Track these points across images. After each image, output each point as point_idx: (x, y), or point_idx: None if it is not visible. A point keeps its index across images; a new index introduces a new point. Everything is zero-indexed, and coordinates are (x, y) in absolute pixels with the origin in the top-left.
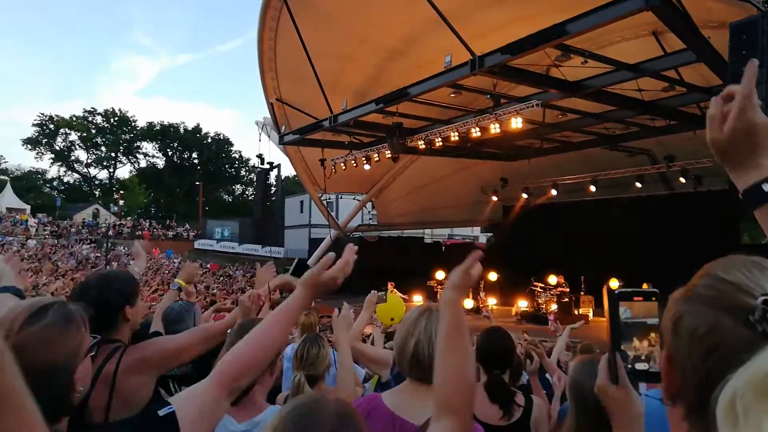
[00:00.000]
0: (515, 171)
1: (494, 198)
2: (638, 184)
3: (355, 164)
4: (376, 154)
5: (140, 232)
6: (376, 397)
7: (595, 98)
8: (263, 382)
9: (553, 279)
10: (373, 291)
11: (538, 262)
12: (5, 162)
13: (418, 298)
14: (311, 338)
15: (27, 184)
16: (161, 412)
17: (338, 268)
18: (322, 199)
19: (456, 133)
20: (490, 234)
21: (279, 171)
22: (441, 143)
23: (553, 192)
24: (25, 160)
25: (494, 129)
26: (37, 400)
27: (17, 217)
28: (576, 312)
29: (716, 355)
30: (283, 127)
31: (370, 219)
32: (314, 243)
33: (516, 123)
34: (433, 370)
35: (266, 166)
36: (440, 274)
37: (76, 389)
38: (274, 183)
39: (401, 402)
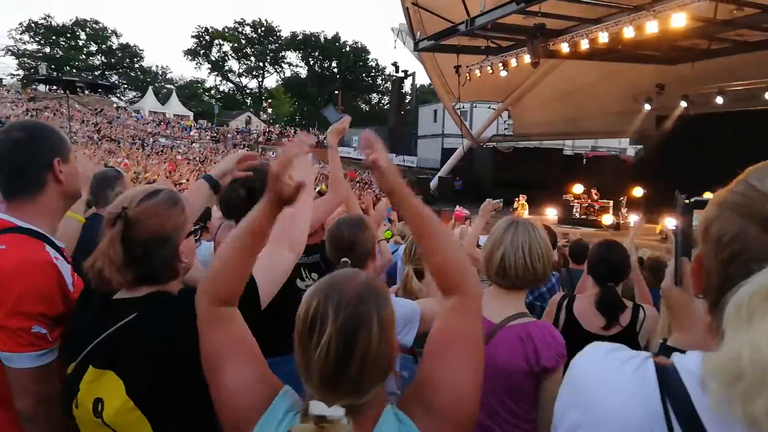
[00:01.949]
0: (674, 76)
1: (647, 107)
2: None
3: (491, 71)
4: (515, 60)
5: (286, 139)
6: None
7: None
8: (370, 268)
9: (708, 197)
10: (488, 199)
11: (693, 178)
12: (170, 72)
13: (551, 212)
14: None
15: (189, 92)
16: None
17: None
18: (455, 107)
19: (606, 34)
20: (639, 146)
21: (413, 79)
22: (588, 46)
23: (719, 100)
24: (187, 70)
25: (652, 28)
26: (151, 261)
27: (183, 122)
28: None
29: (738, 261)
30: (419, 33)
31: (505, 129)
32: (446, 153)
33: (678, 20)
34: (517, 278)
35: (401, 74)
36: (578, 188)
37: (181, 259)
38: (409, 92)
39: (485, 303)
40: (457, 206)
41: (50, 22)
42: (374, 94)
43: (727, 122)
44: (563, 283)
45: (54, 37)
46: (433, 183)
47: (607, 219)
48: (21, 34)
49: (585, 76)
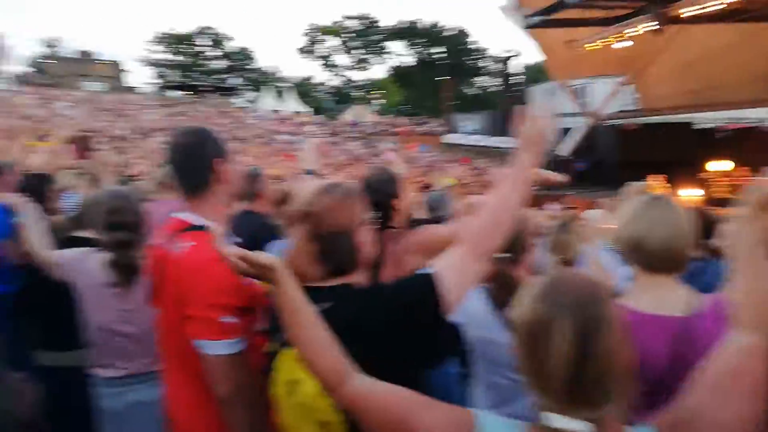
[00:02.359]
0: None
1: None
2: None
3: (608, 43)
4: (635, 29)
5: (396, 129)
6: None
7: None
8: (526, 263)
9: None
10: (630, 183)
11: None
12: (283, 71)
13: (686, 192)
14: (562, 225)
15: (303, 89)
16: (422, 271)
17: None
18: (570, 85)
19: None
20: None
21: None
22: (720, 7)
23: None
24: (300, 68)
25: None
26: (337, 254)
27: (300, 118)
28: None
29: None
30: (527, 10)
31: (628, 104)
32: (562, 133)
33: None
34: (669, 260)
35: (508, 54)
36: (715, 165)
37: (362, 250)
38: (518, 72)
39: (648, 299)
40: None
41: (176, 32)
42: (481, 78)
43: None
44: None
45: (180, 46)
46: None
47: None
48: (154, 44)
49: (717, 41)
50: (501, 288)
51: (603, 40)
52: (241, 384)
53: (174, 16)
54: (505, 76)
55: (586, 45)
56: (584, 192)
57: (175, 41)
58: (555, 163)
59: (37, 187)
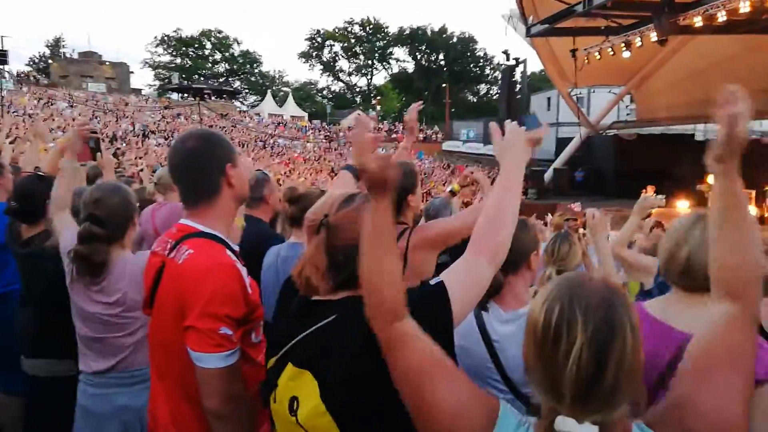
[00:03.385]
0: None
1: None
2: None
3: (612, 52)
4: (639, 38)
5: (395, 135)
6: (638, 304)
7: None
8: (524, 275)
9: None
10: (644, 195)
11: None
12: (286, 75)
13: (683, 204)
14: (562, 235)
15: (303, 93)
16: (431, 282)
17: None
18: (571, 94)
19: (747, 3)
20: None
21: (525, 67)
22: (725, 18)
23: None
24: (301, 72)
25: None
26: (350, 266)
27: (299, 123)
28: None
29: None
30: (531, 18)
31: (627, 114)
32: (562, 143)
33: None
34: (705, 279)
35: (511, 62)
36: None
37: None
38: (519, 80)
39: (668, 310)
40: (589, 209)
41: (180, 35)
42: (483, 85)
43: None
44: None
45: (184, 48)
46: (548, 175)
47: (751, 210)
48: (156, 47)
49: (721, 52)
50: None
51: (607, 50)
52: (232, 397)
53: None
54: (508, 83)
55: (589, 54)
56: (585, 202)
57: (179, 44)
58: (553, 172)
59: (42, 188)
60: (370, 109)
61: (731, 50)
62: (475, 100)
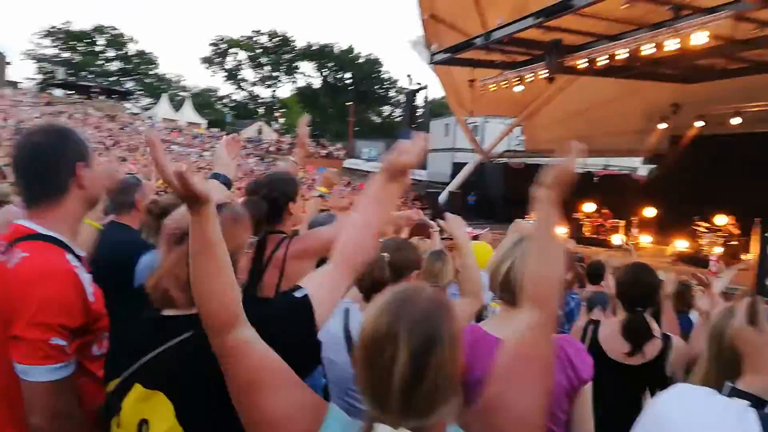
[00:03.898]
0: (690, 96)
1: (662, 126)
2: None
3: (506, 85)
4: (530, 75)
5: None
6: (476, 325)
7: None
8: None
9: (721, 219)
10: (517, 220)
11: (705, 200)
12: (185, 80)
13: (561, 231)
14: (436, 253)
15: (203, 100)
16: (297, 294)
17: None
18: (468, 122)
19: (625, 51)
20: (652, 166)
21: (426, 92)
22: (605, 62)
23: (736, 121)
24: (202, 78)
25: (671, 46)
26: None
27: (195, 130)
28: (744, 258)
29: None
30: (434, 46)
31: (517, 145)
32: (457, 167)
33: (699, 39)
34: (521, 293)
35: (414, 86)
36: (589, 207)
37: (239, 279)
38: (422, 104)
39: (496, 324)
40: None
41: (70, 27)
42: (387, 107)
43: (743, 143)
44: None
45: (73, 42)
46: (442, 197)
47: (617, 239)
48: (41, 38)
49: (600, 94)
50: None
51: (501, 83)
52: (60, 414)
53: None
54: (410, 107)
55: (485, 85)
56: (474, 224)
57: (68, 37)
58: (448, 194)
59: None
60: (273, 121)
61: (609, 93)
62: (379, 121)
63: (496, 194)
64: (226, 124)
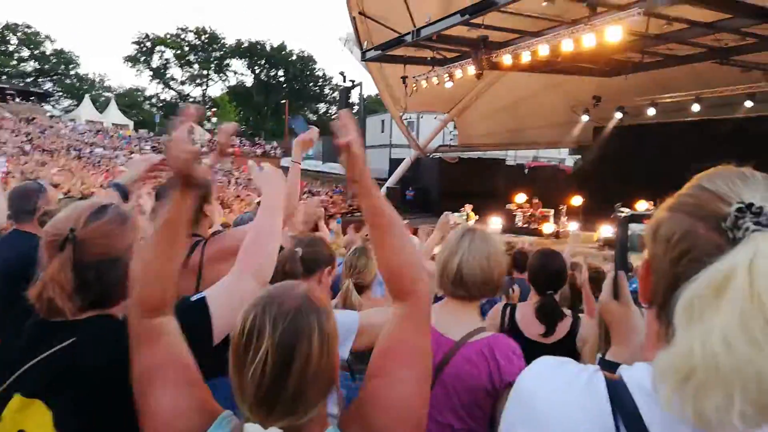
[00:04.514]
0: (610, 89)
1: (585, 118)
2: (748, 104)
3: (437, 81)
4: (460, 71)
5: (231, 149)
6: None
7: (708, 4)
8: (323, 281)
9: (642, 205)
10: (446, 212)
11: (627, 187)
12: (109, 80)
13: (496, 220)
14: (360, 249)
15: (129, 101)
16: (192, 298)
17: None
18: (403, 118)
19: (546, 47)
20: (578, 156)
21: (361, 89)
22: (530, 58)
23: (651, 112)
24: (127, 78)
25: (589, 41)
26: (102, 284)
27: (121, 132)
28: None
29: (686, 259)
30: (366, 43)
31: (451, 139)
32: (394, 163)
33: (614, 34)
34: (475, 287)
35: (348, 84)
36: (520, 197)
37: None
38: (356, 101)
39: (441, 318)
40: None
41: None
42: (322, 104)
43: (659, 133)
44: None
45: None
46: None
47: (548, 228)
48: None
49: (526, 88)
50: None
51: (432, 79)
52: None
53: None
54: (345, 104)
55: (418, 82)
56: (413, 219)
57: None
58: (386, 190)
59: None
60: (205, 121)
61: (534, 87)
62: (315, 118)
63: (432, 188)
64: (155, 124)
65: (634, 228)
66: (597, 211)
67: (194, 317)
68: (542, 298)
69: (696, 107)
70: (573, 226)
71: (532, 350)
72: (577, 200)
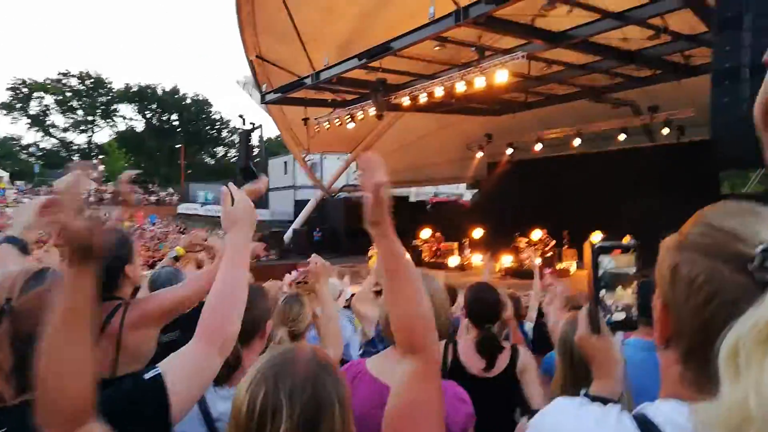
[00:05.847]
0: (500, 126)
1: (479, 154)
2: (622, 137)
3: (339, 123)
4: (360, 112)
5: (139, 197)
6: (360, 362)
7: (580, 49)
8: (255, 347)
9: (536, 234)
10: (314, 254)
11: (522, 217)
12: None
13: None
14: (293, 296)
15: (3, 150)
16: (147, 376)
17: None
18: (306, 159)
19: (441, 88)
20: (475, 191)
21: (261, 131)
22: (426, 99)
23: (538, 147)
24: (1, 126)
25: (479, 83)
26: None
27: None
28: (559, 266)
29: (715, 302)
30: (265, 86)
31: (355, 179)
32: (299, 205)
33: (501, 76)
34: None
35: (248, 126)
36: (425, 233)
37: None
38: (257, 144)
39: (384, 367)
40: (314, 254)
41: None
42: (220, 148)
43: (546, 166)
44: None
45: None
46: (287, 235)
47: (453, 261)
48: None
49: (425, 127)
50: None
51: (333, 120)
52: None
53: None
54: (245, 147)
55: (319, 123)
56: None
57: None
58: (293, 232)
59: None
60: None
61: (431, 126)
62: (213, 162)
63: (339, 228)
64: (34, 175)
65: (602, 262)
66: (497, 242)
67: (149, 399)
68: (481, 332)
69: (577, 141)
70: (477, 258)
71: (476, 387)
72: (477, 233)
